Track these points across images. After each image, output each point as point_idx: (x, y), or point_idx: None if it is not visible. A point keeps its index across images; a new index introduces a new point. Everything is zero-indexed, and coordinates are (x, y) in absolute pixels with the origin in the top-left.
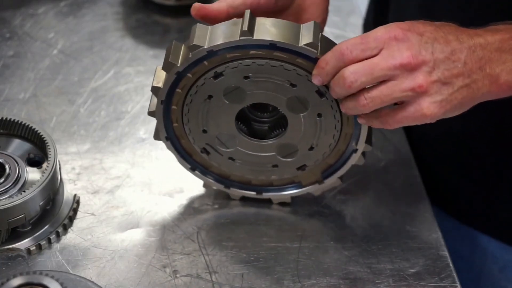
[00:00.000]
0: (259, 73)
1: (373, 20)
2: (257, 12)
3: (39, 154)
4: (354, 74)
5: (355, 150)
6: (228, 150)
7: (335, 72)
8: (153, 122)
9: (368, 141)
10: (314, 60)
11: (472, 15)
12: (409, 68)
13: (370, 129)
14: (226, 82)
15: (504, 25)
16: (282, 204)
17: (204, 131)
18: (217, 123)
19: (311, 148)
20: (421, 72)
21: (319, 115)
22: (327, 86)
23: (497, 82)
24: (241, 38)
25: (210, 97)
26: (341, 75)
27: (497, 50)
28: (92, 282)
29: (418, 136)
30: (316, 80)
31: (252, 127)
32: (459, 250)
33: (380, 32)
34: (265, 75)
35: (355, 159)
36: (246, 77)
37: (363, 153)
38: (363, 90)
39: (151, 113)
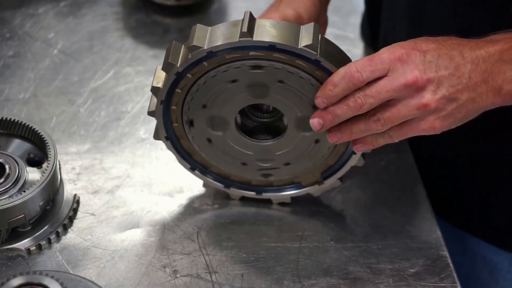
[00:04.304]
0: (212, 93)
1: (367, 20)
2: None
3: (39, 154)
4: (363, 96)
5: (355, 152)
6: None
7: (343, 94)
8: (153, 122)
9: None
10: (314, 62)
11: (460, 12)
12: (415, 88)
13: None
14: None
15: (503, 34)
16: (282, 204)
17: (204, 106)
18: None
19: (315, 107)
20: (426, 91)
21: (281, 81)
22: (261, 59)
23: (500, 93)
24: (240, 39)
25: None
26: (350, 97)
27: (498, 61)
28: (92, 282)
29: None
30: (321, 102)
31: (275, 127)
32: (449, 251)
33: (385, 54)
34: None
35: (354, 160)
36: (204, 106)
37: (363, 155)
38: (373, 111)
39: (150, 113)
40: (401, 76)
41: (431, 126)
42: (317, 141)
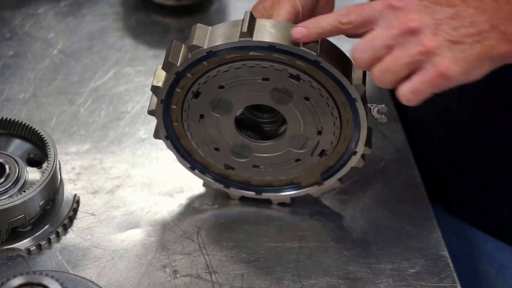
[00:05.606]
0: (234, 78)
1: None
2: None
3: (39, 154)
4: (357, 52)
5: (355, 153)
6: (246, 160)
7: (323, 32)
8: (153, 122)
9: (368, 144)
10: (313, 62)
11: None
12: (410, 33)
13: (369, 132)
14: (206, 97)
15: None
16: (282, 204)
17: (216, 149)
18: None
19: (319, 132)
20: (424, 34)
21: (307, 99)
22: (299, 69)
23: None
24: (240, 39)
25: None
26: (352, 57)
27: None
28: (92, 282)
29: (418, 135)
30: (298, 33)
31: (264, 130)
32: (455, 249)
33: (377, 3)
34: (239, 79)
35: (354, 161)
36: (221, 87)
37: (363, 156)
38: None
39: (150, 112)
40: (393, 23)
41: (442, 70)
42: (297, 160)
